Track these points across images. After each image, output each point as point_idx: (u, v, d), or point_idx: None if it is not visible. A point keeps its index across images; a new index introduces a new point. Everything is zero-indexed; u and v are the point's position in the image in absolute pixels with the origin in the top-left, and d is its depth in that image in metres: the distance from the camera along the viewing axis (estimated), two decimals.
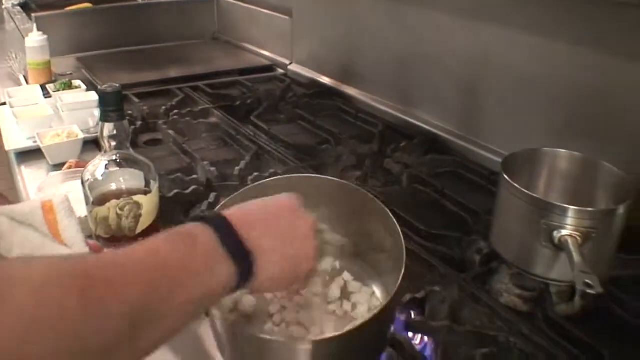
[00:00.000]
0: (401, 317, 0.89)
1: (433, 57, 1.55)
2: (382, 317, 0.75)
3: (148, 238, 0.59)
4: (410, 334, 0.87)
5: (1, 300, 0.41)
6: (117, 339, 0.49)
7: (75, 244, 0.77)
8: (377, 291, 0.89)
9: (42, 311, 0.43)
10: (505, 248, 0.94)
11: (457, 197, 1.22)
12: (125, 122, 0.90)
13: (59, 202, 0.78)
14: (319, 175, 0.95)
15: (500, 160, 0.98)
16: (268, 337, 0.75)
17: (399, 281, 0.73)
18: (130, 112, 1.71)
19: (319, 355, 0.71)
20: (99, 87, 0.92)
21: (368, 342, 0.76)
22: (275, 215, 0.69)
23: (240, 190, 0.87)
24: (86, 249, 0.78)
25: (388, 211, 0.83)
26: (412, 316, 0.90)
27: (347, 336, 0.70)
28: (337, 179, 0.92)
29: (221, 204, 0.83)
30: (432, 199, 1.25)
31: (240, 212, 0.66)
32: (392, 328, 0.83)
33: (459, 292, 0.92)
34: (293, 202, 0.72)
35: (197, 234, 0.60)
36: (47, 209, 0.77)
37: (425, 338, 0.87)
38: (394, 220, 0.82)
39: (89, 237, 0.89)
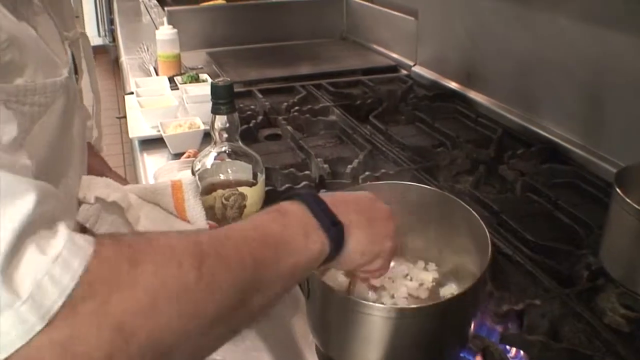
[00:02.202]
0: (497, 328, 0.87)
1: (558, 63, 1.48)
2: (461, 301, 0.75)
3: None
4: (507, 347, 0.85)
5: (131, 283, 0.46)
6: (230, 307, 0.53)
7: (197, 221, 0.84)
8: None
9: (166, 289, 0.48)
10: (613, 265, 0.90)
11: (572, 209, 1.16)
12: (236, 115, 0.94)
13: (187, 182, 0.84)
14: (408, 183, 0.96)
15: None
16: (355, 298, 0.77)
17: (484, 269, 0.75)
18: (253, 107, 1.76)
19: (397, 324, 0.72)
20: (212, 81, 0.96)
21: (448, 325, 0.76)
22: (354, 199, 0.75)
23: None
24: (207, 227, 0.84)
25: (473, 212, 0.84)
26: (509, 328, 0.87)
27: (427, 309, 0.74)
28: (427, 187, 0.96)
29: None
30: (544, 210, 1.21)
31: (323, 195, 0.71)
32: (487, 338, 0.82)
33: (560, 308, 0.88)
34: (370, 194, 0.77)
35: (287, 208, 0.66)
36: (176, 187, 0.83)
37: (521, 352, 0.84)
38: (479, 218, 0.82)
39: None
